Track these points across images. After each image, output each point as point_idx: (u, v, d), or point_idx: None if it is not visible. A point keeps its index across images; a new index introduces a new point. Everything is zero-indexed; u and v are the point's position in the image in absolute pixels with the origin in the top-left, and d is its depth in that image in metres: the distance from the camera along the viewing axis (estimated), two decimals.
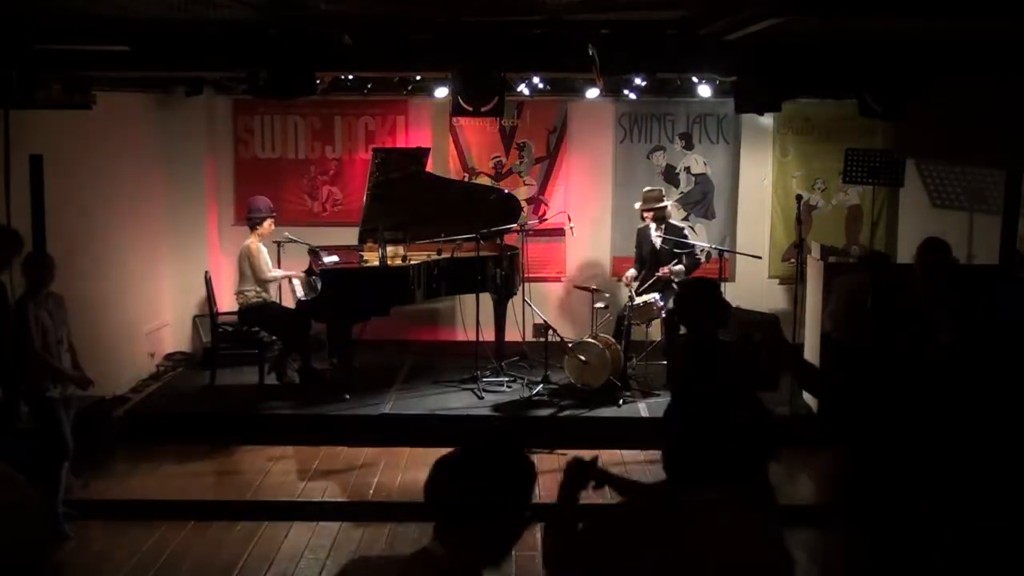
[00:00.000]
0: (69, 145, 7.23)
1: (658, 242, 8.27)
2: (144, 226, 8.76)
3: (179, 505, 6.27)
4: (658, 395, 7.83)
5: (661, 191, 8.50)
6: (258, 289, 7.97)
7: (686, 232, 8.71)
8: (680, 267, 8.20)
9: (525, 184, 9.75)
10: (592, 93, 8.34)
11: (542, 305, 8.60)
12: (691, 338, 4.21)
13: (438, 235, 8.34)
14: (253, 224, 8.02)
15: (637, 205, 8.45)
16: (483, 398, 7.82)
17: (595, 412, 7.55)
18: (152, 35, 5.62)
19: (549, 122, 9.70)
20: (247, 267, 7.93)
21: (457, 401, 7.85)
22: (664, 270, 8.15)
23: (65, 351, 5.86)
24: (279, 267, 8.38)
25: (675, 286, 8.04)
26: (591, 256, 9.84)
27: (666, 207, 8.40)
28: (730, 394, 4.03)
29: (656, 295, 8.06)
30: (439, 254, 8.28)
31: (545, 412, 7.58)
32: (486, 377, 8.16)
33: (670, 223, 8.39)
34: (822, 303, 7.35)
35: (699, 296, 4.17)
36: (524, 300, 8.55)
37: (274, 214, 8.13)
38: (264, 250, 8.00)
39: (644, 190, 8.49)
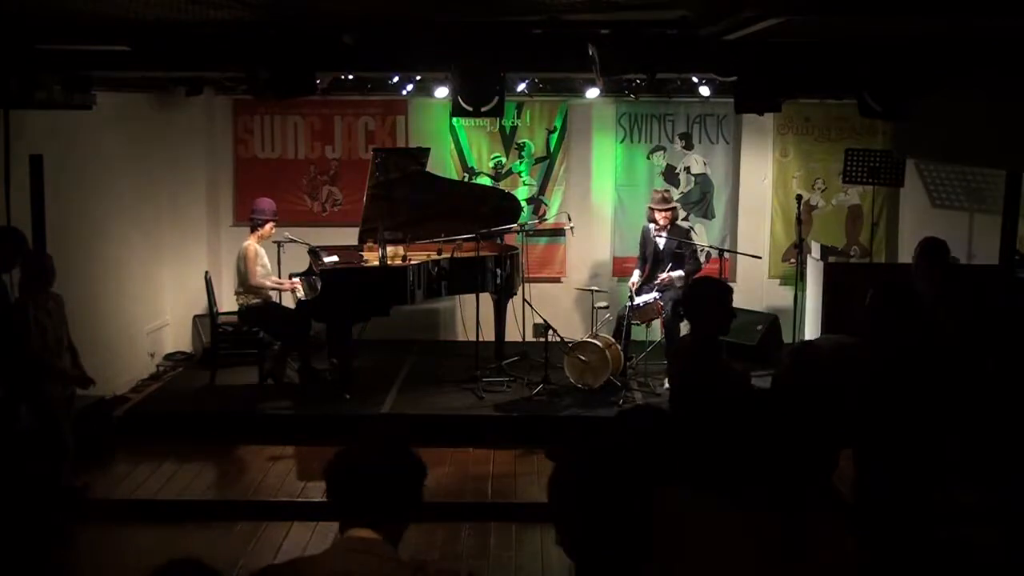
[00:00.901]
0: (69, 145, 7.23)
1: (661, 243, 8.26)
2: (144, 226, 8.75)
3: (179, 505, 6.27)
4: (658, 395, 7.83)
5: (670, 192, 8.49)
6: (256, 289, 7.97)
7: (691, 235, 8.70)
8: (680, 272, 8.17)
9: (525, 184, 9.75)
10: (592, 93, 8.34)
11: (542, 305, 8.60)
12: (694, 338, 4.20)
13: (438, 235, 8.34)
14: (255, 225, 8.02)
15: (652, 205, 8.38)
16: (483, 398, 7.82)
17: (595, 412, 7.55)
18: (152, 35, 5.62)
19: (549, 122, 9.70)
20: (243, 268, 7.92)
21: (457, 401, 7.84)
22: (663, 276, 8.12)
23: (65, 351, 5.86)
24: (279, 268, 8.38)
25: (677, 286, 8.01)
26: (591, 256, 9.84)
27: (676, 209, 8.38)
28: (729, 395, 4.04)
29: (656, 295, 8.05)
30: (439, 254, 8.28)
31: (545, 412, 7.57)
32: (486, 377, 8.15)
33: (675, 224, 8.37)
34: (821, 307, 7.36)
35: (710, 296, 4.14)
36: (524, 300, 8.55)
37: (276, 217, 8.12)
38: (262, 253, 7.98)
39: (663, 189, 8.48)
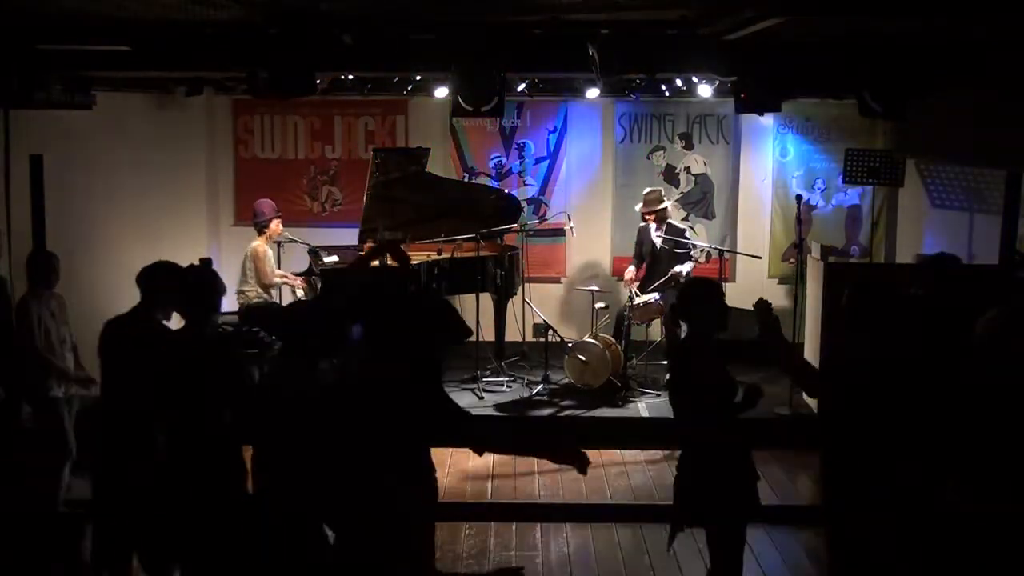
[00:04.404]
0: (69, 145, 7.23)
1: (658, 241, 8.26)
2: (144, 226, 8.75)
3: None
4: (658, 395, 7.83)
5: (661, 192, 8.46)
6: (259, 290, 7.97)
7: (687, 233, 8.70)
8: (684, 268, 8.14)
9: (525, 184, 9.76)
10: (592, 93, 8.34)
11: (542, 305, 8.60)
12: (690, 338, 4.21)
13: (438, 235, 8.34)
14: (260, 228, 8.02)
15: (638, 207, 8.43)
16: (483, 398, 7.82)
17: (595, 412, 7.55)
18: (152, 35, 5.63)
19: (549, 122, 9.70)
20: (251, 268, 7.92)
21: (457, 401, 7.80)
22: (676, 269, 8.09)
23: (68, 351, 5.87)
24: (279, 269, 8.38)
25: (675, 286, 8.01)
26: (591, 256, 9.84)
27: (666, 208, 8.37)
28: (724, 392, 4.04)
29: (656, 295, 8.05)
30: (439, 254, 8.28)
31: (545, 412, 7.57)
32: (486, 377, 8.16)
33: (671, 223, 8.36)
34: (821, 307, 7.35)
35: (701, 296, 4.16)
36: (524, 300, 8.55)
37: (279, 214, 8.13)
38: (270, 253, 8.01)
39: (644, 192, 8.47)
